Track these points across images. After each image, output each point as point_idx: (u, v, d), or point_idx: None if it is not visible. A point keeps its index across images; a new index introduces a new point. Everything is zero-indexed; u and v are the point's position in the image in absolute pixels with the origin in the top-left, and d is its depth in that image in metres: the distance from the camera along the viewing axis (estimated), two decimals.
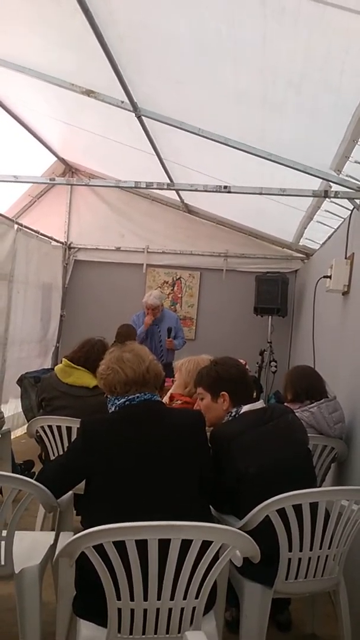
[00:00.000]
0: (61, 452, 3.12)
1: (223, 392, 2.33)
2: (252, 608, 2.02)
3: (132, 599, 1.62)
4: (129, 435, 1.91)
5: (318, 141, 3.30)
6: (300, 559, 2.01)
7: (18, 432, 5.52)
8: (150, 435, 1.91)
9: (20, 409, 5.45)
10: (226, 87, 3.17)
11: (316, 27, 2.27)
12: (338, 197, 3.47)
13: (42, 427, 3.14)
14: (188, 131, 3.68)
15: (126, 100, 3.63)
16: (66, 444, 3.09)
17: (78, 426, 2.97)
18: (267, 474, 2.09)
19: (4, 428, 3.56)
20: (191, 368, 3.11)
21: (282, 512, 1.94)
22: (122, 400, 1.99)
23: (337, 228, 4.22)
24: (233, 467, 2.11)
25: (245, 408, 2.27)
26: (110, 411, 2.04)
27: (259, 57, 2.72)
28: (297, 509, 1.95)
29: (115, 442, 1.89)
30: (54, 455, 3.16)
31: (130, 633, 1.66)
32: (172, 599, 1.64)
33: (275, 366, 6.08)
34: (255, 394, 2.42)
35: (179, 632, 1.67)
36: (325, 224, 4.54)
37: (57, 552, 1.71)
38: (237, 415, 2.28)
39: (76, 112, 4.69)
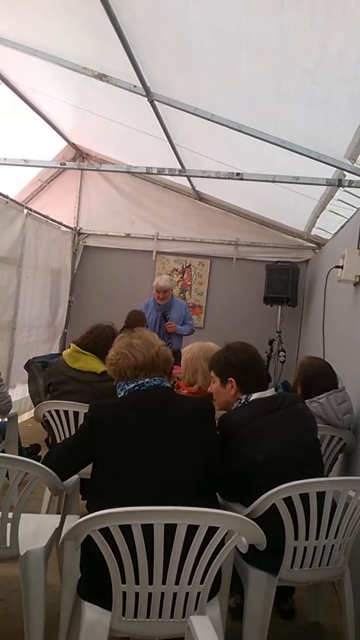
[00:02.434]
0: (68, 437, 3.13)
1: (231, 378, 2.32)
2: (257, 595, 2.02)
3: (137, 583, 1.63)
4: (137, 420, 1.90)
5: (332, 129, 3.25)
6: (305, 548, 2.01)
7: (25, 417, 5.56)
8: (158, 420, 1.91)
9: (27, 394, 5.48)
10: (241, 74, 3.13)
11: (333, 16, 2.23)
12: (352, 186, 3.44)
13: (49, 412, 3.15)
14: (201, 117, 3.65)
15: (139, 84, 3.61)
16: (73, 429, 3.10)
17: (85, 411, 3.01)
18: (274, 461, 2.09)
19: (11, 412, 3.57)
20: (187, 357, 3.10)
21: (288, 501, 1.94)
22: (132, 385, 1.99)
23: (350, 218, 4.17)
24: (241, 454, 2.12)
25: (254, 396, 2.26)
26: (119, 396, 2.04)
27: (274, 45, 2.68)
28: (304, 497, 1.94)
29: (123, 427, 1.89)
30: (60, 440, 3.17)
31: (135, 616, 1.66)
32: (177, 583, 1.64)
33: (284, 356, 6.06)
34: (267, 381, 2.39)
35: (183, 616, 1.67)
36: (338, 214, 4.50)
37: (62, 535, 1.71)
38: (246, 402, 2.27)
39: (88, 96, 4.66)
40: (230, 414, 2.27)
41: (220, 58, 3.11)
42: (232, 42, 2.85)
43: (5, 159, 4.33)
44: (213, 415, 2.03)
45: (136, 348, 2.03)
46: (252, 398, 2.26)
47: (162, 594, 1.65)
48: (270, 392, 2.30)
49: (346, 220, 4.41)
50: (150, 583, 1.63)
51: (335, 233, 5.09)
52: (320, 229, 5.67)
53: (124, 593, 1.64)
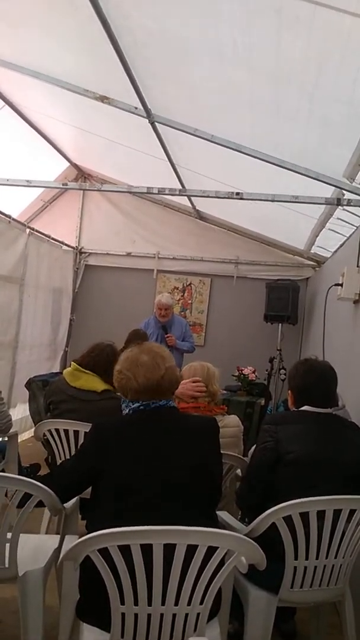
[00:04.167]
0: (68, 456, 3.12)
1: (289, 390, 2.46)
2: (257, 615, 2.01)
3: (136, 604, 1.61)
4: (140, 440, 1.88)
5: (331, 149, 3.29)
6: (306, 568, 1.99)
7: (25, 436, 5.53)
8: (161, 441, 1.89)
9: (27, 413, 5.47)
10: (240, 95, 3.18)
11: (330, 37, 2.27)
12: (351, 205, 3.46)
13: (49, 431, 3.14)
14: (201, 137, 3.70)
15: (140, 106, 3.66)
16: (73, 448, 3.08)
17: (85, 430, 3.00)
18: (301, 465, 2.15)
19: (11, 431, 3.56)
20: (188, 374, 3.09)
21: (289, 519, 1.93)
22: (137, 404, 1.96)
23: (350, 236, 4.20)
24: (275, 449, 2.21)
25: (305, 407, 2.33)
26: (124, 412, 2.02)
27: (272, 66, 2.73)
28: (305, 516, 1.93)
29: (125, 446, 1.87)
30: (60, 459, 3.16)
31: (134, 638, 1.64)
32: (176, 604, 1.62)
33: (285, 374, 6.05)
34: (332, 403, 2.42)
35: (182, 638, 1.65)
36: (337, 232, 4.53)
37: (61, 555, 1.70)
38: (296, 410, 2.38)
39: (90, 118, 4.73)
40: (276, 413, 2.31)
41: (220, 79, 3.16)
42: (231, 63, 2.90)
43: (8, 180, 4.37)
44: (217, 434, 2.00)
45: (140, 370, 1.94)
46: (302, 408, 2.34)
47: (162, 614, 1.63)
48: (325, 410, 2.32)
49: (345, 238, 4.43)
50: (150, 604, 1.61)
51: (335, 251, 5.12)
52: (320, 247, 5.71)
53: (123, 614, 1.62)
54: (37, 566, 2.13)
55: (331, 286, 3.67)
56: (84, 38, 3.26)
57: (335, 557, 2.01)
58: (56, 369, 6.50)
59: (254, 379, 5.77)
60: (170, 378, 1.97)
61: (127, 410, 1.99)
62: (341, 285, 3.45)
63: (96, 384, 3.21)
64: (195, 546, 1.58)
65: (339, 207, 3.77)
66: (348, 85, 2.54)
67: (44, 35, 3.43)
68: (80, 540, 1.59)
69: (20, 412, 5.56)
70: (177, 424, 1.96)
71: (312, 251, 6.21)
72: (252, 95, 3.14)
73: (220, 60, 2.93)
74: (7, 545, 2.06)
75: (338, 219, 4.17)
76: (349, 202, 3.44)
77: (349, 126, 2.89)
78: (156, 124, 3.89)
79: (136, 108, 3.75)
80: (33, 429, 4.04)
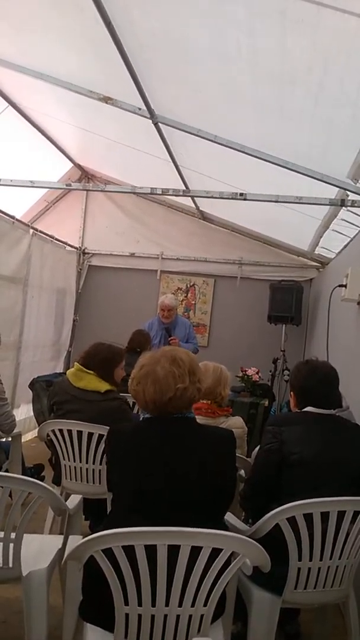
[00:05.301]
0: (72, 457, 3.13)
1: (291, 392, 2.46)
2: (261, 616, 2.01)
3: (139, 605, 1.61)
4: (151, 448, 1.84)
5: (335, 150, 3.29)
6: (309, 569, 1.99)
7: (29, 436, 5.54)
8: (173, 450, 1.83)
9: (31, 413, 5.48)
10: (243, 95, 3.18)
11: (335, 38, 2.27)
12: (355, 206, 3.46)
13: (53, 431, 3.14)
14: (204, 138, 3.70)
15: (143, 107, 3.67)
16: (77, 448, 3.09)
17: (89, 430, 3.01)
18: (305, 466, 2.15)
19: (15, 431, 3.57)
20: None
21: (292, 521, 1.93)
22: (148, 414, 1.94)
23: (354, 237, 4.20)
24: (279, 450, 2.21)
25: (308, 408, 2.32)
26: (141, 418, 1.99)
27: (276, 67, 2.73)
28: (309, 517, 1.93)
29: (136, 453, 1.84)
30: (64, 459, 3.16)
31: (137, 639, 1.64)
32: (180, 605, 1.62)
33: (289, 375, 6.04)
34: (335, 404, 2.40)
35: (186, 639, 1.65)
36: (341, 233, 4.52)
37: (65, 555, 1.69)
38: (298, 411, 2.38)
39: (94, 118, 4.73)
40: (281, 414, 2.31)
41: (223, 80, 3.16)
42: (235, 65, 2.90)
43: (12, 180, 4.38)
44: (234, 447, 1.93)
45: (150, 387, 1.85)
46: (305, 409, 2.33)
47: (165, 616, 1.62)
48: (328, 411, 2.32)
49: (350, 239, 4.43)
50: (153, 605, 1.61)
51: (339, 252, 5.12)
52: (324, 248, 5.70)
53: (127, 615, 1.62)
54: (41, 566, 2.14)
55: (335, 287, 3.67)
56: (88, 39, 3.27)
57: (339, 559, 2.01)
58: (59, 370, 6.50)
59: (257, 380, 5.76)
60: (182, 398, 1.85)
61: (143, 416, 1.98)
62: (345, 286, 3.44)
63: (99, 384, 3.21)
64: (200, 548, 1.57)
65: (343, 208, 3.77)
66: (353, 86, 2.54)
67: (47, 36, 3.43)
68: (84, 540, 1.58)
69: (24, 412, 5.57)
70: (190, 436, 1.88)
71: (316, 252, 6.20)
72: (256, 96, 3.14)
73: (224, 61, 2.93)
74: (11, 545, 2.06)
75: (342, 219, 4.17)
76: (353, 203, 3.44)
77: (353, 127, 2.89)
78: (160, 124, 3.90)
79: (140, 109, 3.76)
80: (37, 429, 4.04)
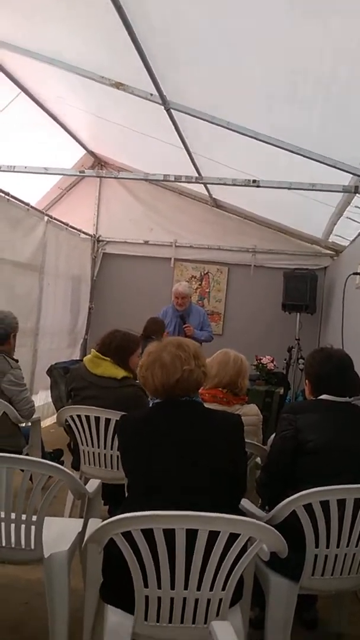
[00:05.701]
0: (89, 442, 3.17)
1: (306, 380, 2.46)
2: (278, 602, 2.03)
3: (159, 587, 1.64)
4: (161, 433, 1.88)
5: (349, 137, 3.26)
6: (326, 556, 2.01)
7: (47, 422, 5.61)
8: (183, 433, 1.88)
9: (49, 399, 5.54)
10: (256, 82, 3.17)
11: (348, 25, 2.25)
12: None
13: (71, 417, 3.19)
14: (217, 124, 3.68)
15: (155, 93, 3.65)
16: (94, 434, 3.13)
17: (107, 417, 3.05)
18: (320, 455, 2.16)
19: (34, 417, 3.62)
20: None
21: (309, 508, 1.95)
22: (157, 399, 1.98)
23: None
24: (294, 437, 2.22)
25: (324, 396, 2.33)
26: (151, 404, 2.03)
27: (289, 54, 2.71)
28: (326, 505, 1.95)
29: (147, 439, 1.87)
30: (82, 445, 3.21)
31: (157, 621, 1.68)
32: (198, 589, 1.65)
33: (303, 363, 6.03)
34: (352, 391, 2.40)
35: (205, 622, 1.68)
36: (355, 220, 4.49)
37: (85, 538, 1.73)
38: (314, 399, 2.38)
39: (106, 105, 4.73)
40: (295, 402, 2.31)
41: (236, 66, 3.14)
42: (247, 50, 2.88)
43: (26, 167, 4.41)
44: (242, 431, 1.96)
45: (157, 371, 1.91)
46: (320, 397, 2.34)
47: (184, 599, 1.66)
48: (343, 399, 2.32)
49: None
50: (172, 588, 1.64)
51: (353, 240, 5.08)
52: (338, 235, 5.66)
53: (147, 597, 1.66)
54: (62, 548, 2.18)
55: (350, 275, 3.66)
56: (99, 24, 3.25)
57: (357, 546, 2.02)
58: (76, 357, 6.55)
59: (272, 368, 5.76)
60: (188, 380, 1.91)
61: (152, 402, 2.01)
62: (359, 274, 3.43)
63: (115, 370, 3.24)
64: (218, 533, 1.60)
65: (357, 195, 3.73)
66: None
67: (58, 22, 3.42)
68: (104, 523, 1.62)
69: (42, 398, 5.64)
70: (199, 420, 1.93)
71: (330, 240, 6.16)
72: (269, 83, 3.12)
73: (236, 47, 2.91)
74: (33, 527, 2.10)
75: (356, 207, 4.14)
76: None
77: None
78: (172, 110, 3.88)
79: (151, 95, 3.74)
80: (55, 415, 4.09)
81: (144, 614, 1.68)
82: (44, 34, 3.68)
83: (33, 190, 6.13)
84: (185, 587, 1.65)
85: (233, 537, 1.62)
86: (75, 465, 3.31)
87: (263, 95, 3.29)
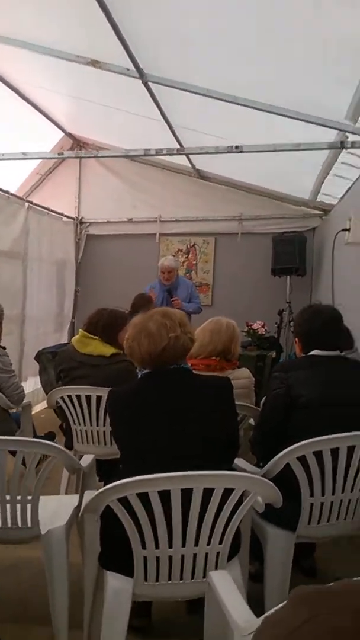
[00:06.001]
0: (82, 422, 3.15)
1: (296, 338, 2.45)
2: (276, 552, 2.04)
3: (157, 547, 1.64)
4: (151, 403, 1.87)
5: (331, 91, 3.20)
6: (322, 504, 2.01)
7: (38, 408, 5.58)
8: (173, 402, 1.86)
9: (39, 385, 5.50)
10: (232, 44, 3.09)
11: None
12: (355, 147, 3.37)
13: (62, 398, 3.16)
14: (195, 92, 3.61)
15: (132, 67, 3.57)
16: (86, 413, 3.11)
17: (98, 394, 3.02)
18: (315, 407, 2.15)
19: (24, 402, 3.59)
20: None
21: (303, 459, 1.95)
22: (146, 370, 1.96)
23: (356, 180, 4.11)
24: (287, 394, 2.21)
25: (314, 352, 2.31)
26: (140, 376, 2.02)
27: (265, 6, 2.63)
28: (319, 455, 1.95)
29: (135, 413, 1.86)
30: (75, 425, 3.18)
31: (157, 580, 1.68)
32: (196, 545, 1.65)
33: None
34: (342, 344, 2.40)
35: (204, 577, 1.68)
36: (343, 177, 4.43)
37: (82, 508, 1.72)
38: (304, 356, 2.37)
39: (82, 84, 4.63)
40: (286, 360, 2.29)
41: (210, 30, 3.06)
42: (221, 12, 2.79)
43: (3, 154, 4.31)
44: (231, 392, 1.97)
45: (144, 340, 1.89)
46: (311, 353, 2.32)
47: (182, 556, 1.66)
48: (334, 352, 2.31)
49: (352, 182, 4.34)
50: (170, 546, 1.64)
51: (342, 197, 5.02)
52: (326, 194, 5.60)
53: (145, 558, 1.65)
54: (59, 524, 2.16)
55: (338, 232, 3.61)
56: (71, 3, 3.15)
57: (352, 492, 2.03)
58: (64, 341, 6.50)
59: (263, 333, 5.73)
60: (175, 346, 1.89)
61: (140, 374, 1.98)
62: (349, 230, 3.39)
63: (104, 348, 3.21)
64: (212, 490, 1.59)
65: (343, 150, 3.67)
66: (346, 19, 2.44)
67: (30, 4, 3.32)
68: (99, 491, 1.62)
69: (31, 385, 5.60)
70: (188, 385, 1.92)
71: (317, 200, 6.07)
72: (245, 43, 3.04)
73: (210, 10, 2.83)
74: (28, 505, 2.08)
75: (343, 163, 4.08)
76: (353, 145, 3.35)
77: (347, 64, 2.79)
78: (150, 83, 3.80)
79: (128, 69, 3.66)
80: (46, 400, 4.06)
81: (143, 574, 1.68)
82: (14, 17, 3.57)
83: (12, 178, 6.03)
84: (183, 545, 1.65)
85: (228, 493, 1.61)
86: (69, 445, 3.28)
87: (241, 57, 3.21)
